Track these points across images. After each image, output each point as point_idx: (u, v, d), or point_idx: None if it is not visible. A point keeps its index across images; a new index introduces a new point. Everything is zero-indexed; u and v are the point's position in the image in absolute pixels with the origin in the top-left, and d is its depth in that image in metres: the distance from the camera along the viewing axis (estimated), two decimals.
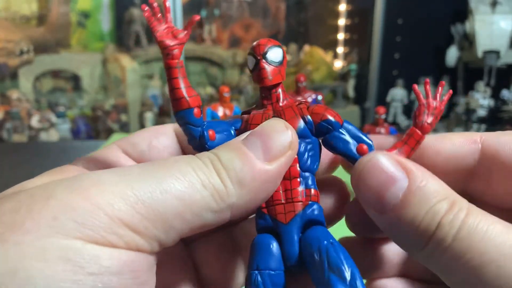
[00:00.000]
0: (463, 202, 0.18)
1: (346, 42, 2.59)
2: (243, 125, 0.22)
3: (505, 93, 2.09)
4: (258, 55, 0.22)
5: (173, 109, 0.21)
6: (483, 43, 2.04)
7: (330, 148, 0.22)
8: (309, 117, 0.22)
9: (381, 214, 0.19)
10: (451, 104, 2.31)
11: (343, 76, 2.53)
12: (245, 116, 0.23)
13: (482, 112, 2.07)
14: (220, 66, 2.52)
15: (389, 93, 2.31)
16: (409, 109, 2.36)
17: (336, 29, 2.58)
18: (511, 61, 2.08)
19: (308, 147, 0.21)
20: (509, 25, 2.02)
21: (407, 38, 2.26)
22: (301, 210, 0.20)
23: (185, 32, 0.21)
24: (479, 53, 2.05)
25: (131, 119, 2.26)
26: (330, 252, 0.18)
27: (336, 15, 2.56)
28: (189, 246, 0.25)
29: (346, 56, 2.60)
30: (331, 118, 0.22)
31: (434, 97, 0.22)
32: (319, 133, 0.22)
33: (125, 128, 2.25)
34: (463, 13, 2.14)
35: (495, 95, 2.09)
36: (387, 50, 2.26)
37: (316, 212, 0.20)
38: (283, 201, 0.20)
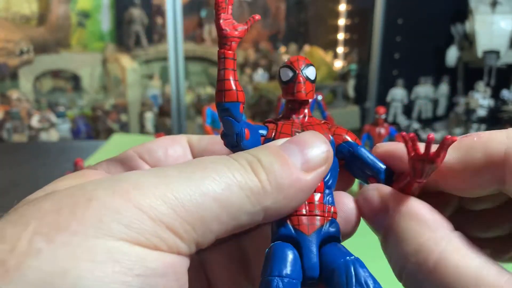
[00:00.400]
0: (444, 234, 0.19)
1: (346, 42, 2.59)
2: (270, 133, 0.22)
3: (505, 93, 2.09)
4: (297, 68, 0.22)
5: (218, 99, 0.20)
6: (483, 43, 2.04)
7: (349, 170, 0.23)
8: (331, 137, 0.22)
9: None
10: (451, 104, 2.31)
11: (343, 76, 2.53)
12: (270, 125, 0.23)
13: (482, 112, 2.07)
14: None
15: (389, 93, 2.31)
16: (409, 109, 2.36)
17: (336, 29, 2.58)
18: (511, 61, 2.08)
19: (333, 165, 0.22)
20: (509, 25, 2.02)
21: (407, 38, 2.26)
22: (323, 224, 0.21)
23: (245, 27, 0.21)
24: (479, 53, 2.05)
25: (131, 119, 2.26)
26: (357, 267, 0.19)
27: (336, 15, 2.56)
28: (200, 255, 0.25)
29: (346, 56, 2.60)
30: (351, 140, 0.23)
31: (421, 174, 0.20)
32: (338, 153, 0.23)
33: (125, 128, 2.25)
34: (463, 13, 2.15)
35: (495, 95, 2.09)
36: (387, 50, 2.26)
37: (334, 229, 0.21)
38: (305, 213, 0.21)
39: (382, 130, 0.80)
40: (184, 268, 0.17)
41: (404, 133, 0.19)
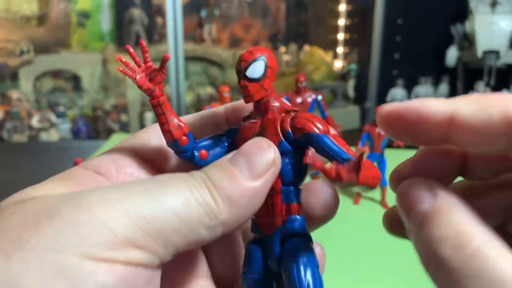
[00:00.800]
0: (483, 237, 0.18)
1: (346, 42, 2.59)
2: (237, 137, 0.24)
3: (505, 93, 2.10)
4: (237, 73, 0.23)
5: (165, 140, 0.23)
6: (483, 43, 2.04)
7: (317, 149, 0.22)
8: (290, 132, 0.22)
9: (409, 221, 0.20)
10: None
11: (343, 76, 2.53)
12: (241, 127, 0.24)
13: None
14: (220, 66, 2.52)
15: (389, 93, 2.31)
16: None
17: (336, 29, 2.59)
18: (511, 61, 2.08)
19: (290, 161, 0.22)
20: (509, 25, 2.02)
21: (407, 38, 2.26)
22: (280, 224, 0.22)
23: (161, 72, 0.23)
24: (479, 53, 2.05)
25: (131, 119, 2.26)
26: (300, 270, 0.21)
27: (336, 15, 2.56)
28: (205, 251, 0.26)
29: (346, 56, 2.60)
30: (311, 132, 0.21)
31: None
32: (300, 144, 0.22)
33: (125, 128, 2.25)
34: (463, 13, 2.15)
35: None
36: (387, 50, 2.26)
37: (296, 225, 0.22)
38: (265, 214, 0.22)
39: (382, 130, 0.80)
40: (143, 279, 0.18)
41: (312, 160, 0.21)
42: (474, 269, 0.17)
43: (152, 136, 0.25)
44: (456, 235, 0.18)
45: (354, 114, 2.43)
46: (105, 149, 1.16)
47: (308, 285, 0.20)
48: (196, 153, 0.23)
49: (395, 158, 1.07)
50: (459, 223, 0.18)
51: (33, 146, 1.64)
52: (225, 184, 0.20)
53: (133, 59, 0.23)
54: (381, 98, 2.30)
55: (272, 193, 0.22)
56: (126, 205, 0.17)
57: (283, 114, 0.23)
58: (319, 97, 0.86)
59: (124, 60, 0.23)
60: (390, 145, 0.84)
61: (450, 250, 0.18)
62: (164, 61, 0.23)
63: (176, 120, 0.23)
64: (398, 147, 0.86)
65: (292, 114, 0.23)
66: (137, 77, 0.23)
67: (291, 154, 0.22)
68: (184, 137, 0.22)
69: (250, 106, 0.24)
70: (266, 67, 0.22)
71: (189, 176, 0.20)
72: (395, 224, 0.24)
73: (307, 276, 0.20)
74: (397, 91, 2.31)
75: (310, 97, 0.85)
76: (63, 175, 0.22)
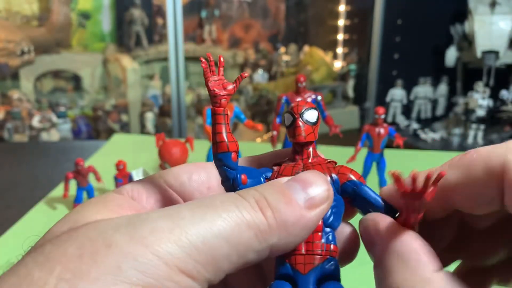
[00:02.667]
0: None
1: (345, 43, 2.59)
2: (274, 175, 0.24)
3: (504, 93, 2.10)
4: (295, 113, 0.24)
5: (213, 151, 0.23)
6: (482, 43, 2.05)
7: (359, 198, 0.23)
8: (335, 176, 0.23)
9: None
10: (450, 104, 2.32)
11: (342, 76, 2.54)
12: (275, 167, 0.24)
13: (481, 112, 2.07)
14: None
15: (389, 93, 2.32)
16: (408, 109, 2.37)
17: (335, 29, 2.59)
18: (510, 61, 2.09)
19: (333, 204, 0.22)
20: (508, 25, 2.03)
21: (407, 39, 2.27)
22: (320, 263, 0.21)
23: (234, 85, 0.23)
24: (478, 53, 2.06)
25: (131, 119, 2.27)
26: None
27: (336, 15, 2.57)
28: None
29: (345, 56, 2.60)
30: (355, 179, 0.23)
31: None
32: (343, 192, 0.23)
33: (125, 128, 2.26)
34: (462, 13, 2.15)
35: (494, 95, 2.10)
36: (387, 50, 2.27)
37: (333, 267, 0.22)
38: (303, 252, 0.22)
39: (382, 130, 0.80)
40: None
41: (391, 172, 0.20)
42: None
43: (182, 173, 0.25)
44: None
45: (353, 114, 2.43)
46: (105, 149, 1.16)
47: None
48: (239, 175, 0.23)
49: (394, 158, 1.08)
50: (399, 272, 0.19)
51: (34, 146, 1.64)
52: (281, 206, 0.20)
53: (211, 66, 0.23)
54: (381, 98, 2.31)
55: (314, 231, 0.22)
56: (178, 235, 0.18)
57: (326, 162, 0.24)
58: (319, 97, 0.86)
59: (207, 59, 0.23)
60: (389, 145, 0.85)
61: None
62: (240, 77, 0.23)
63: (232, 135, 0.23)
64: (398, 147, 0.86)
65: (333, 163, 0.24)
66: (212, 79, 0.23)
67: (335, 197, 0.23)
68: (235, 154, 0.23)
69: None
70: (318, 117, 0.24)
71: (239, 197, 0.20)
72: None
73: None
74: (397, 91, 2.31)
75: (310, 97, 0.85)
76: (101, 199, 0.23)
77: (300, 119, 0.24)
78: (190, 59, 2.39)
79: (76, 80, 2.27)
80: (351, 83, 2.49)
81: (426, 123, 2.35)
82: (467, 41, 2.15)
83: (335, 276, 0.22)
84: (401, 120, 2.35)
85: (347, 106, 2.47)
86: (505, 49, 2.05)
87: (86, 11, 2.21)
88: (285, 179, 0.22)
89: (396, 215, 0.22)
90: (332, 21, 2.60)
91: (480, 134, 2.08)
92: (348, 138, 1.08)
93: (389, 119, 2.30)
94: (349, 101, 2.51)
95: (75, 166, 0.80)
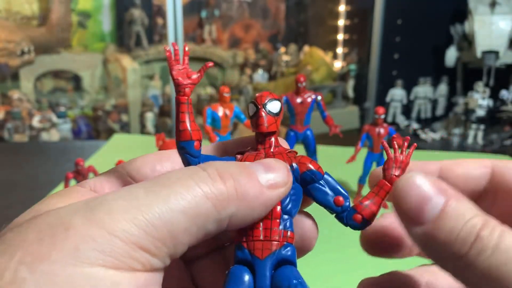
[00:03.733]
0: (495, 221, 0.19)
1: (345, 43, 2.60)
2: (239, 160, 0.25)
3: (504, 93, 2.10)
4: (259, 104, 0.24)
5: (176, 138, 0.24)
6: (482, 44, 2.05)
7: (311, 197, 0.24)
8: (295, 165, 0.24)
9: (420, 226, 0.20)
10: (450, 104, 2.32)
11: (342, 76, 2.54)
12: (239, 156, 0.25)
13: (481, 112, 2.08)
14: (220, 66, 2.53)
15: (389, 93, 2.32)
16: (408, 109, 2.37)
17: (335, 29, 2.59)
18: (510, 61, 2.09)
19: (291, 192, 0.23)
20: (508, 25, 2.03)
21: (407, 39, 2.27)
22: (277, 249, 0.22)
23: (198, 74, 0.24)
24: (478, 53, 2.06)
25: (131, 119, 2.27)
26: None
27: (336, 15, 2.57)
28: (188, 265, 0.26)
29: (345, 56, 2.60)
30: (314, 169, 0.24)
31: (400, 151, 0.25)
32: (303, 181, 0.24)
33: (125, 128, 2.26)
34: (462, 13, 2.15)
35: (494, 95, 2.10)
36: (387, 50, 2.27)
37: (289, 253, 0.22)
38: (261, 238, 0.22)
39: (382, 130, 0.80)
40: (158, 281, 0.19)
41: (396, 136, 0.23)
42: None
43: (145, 164, 0.25)
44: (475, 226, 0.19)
45: (353, 114, 2.43)
46: (105, 149, 1.17)
47: None
48: (201, 162, 0.23)
49: None
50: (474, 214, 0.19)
51: (34, 146, 1.64)
52: (242, 179, 0.20)
53: (176, 55, 0.24)
54: (381, 98, 2.31)
55: (272, 218, 0.22)
56: (134, 214, 0.18)
57: (287, 151, 0.25)
58: (319, 97, 0.86)
59: (168, 48, 0.24)
60: (389, 145, 0.85)
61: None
62: (205, 66, 0.24)
63: (195, 124, 0.24)
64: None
65: (294, 153, 0.25)
66: (176, 68, 0.24)
67: (294, 185, 0.23)
68: (198, 142, 0.23)
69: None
70: (281, 109, 0.25)
71: (199, 170, 0.20)
72: (376, 244, 0.25)
73: None
74: (397, 91, 2.32)
75: (309, 97, 0.85)
76: (64, 192, 0.23)
77: (263, 109, 0.24)
78: (190, 59, 2.39)
79: (76, 80, 2.27)
80: (351, 83, 2.49)
81: (426, 123, 2.35)
82: (467, 41, 2.16)
83: (291, 261, 0.22)
84: (401, 120, 2.35)
85: (347, 106, 2.47)
86: (505, 49, 2.05)
87: (86, 11, 2.21)
88: (246, 162, 0.22)
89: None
90: (332, 21, 2.60)
91: (480, 134, 2.09)
92: (348, 138, 1.08)
93: (389, 119, 2.31)
94: (349, 101, 2.51)
95: (75, 166, 0.80)
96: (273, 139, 0.25)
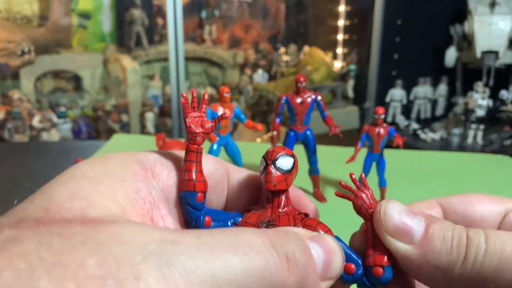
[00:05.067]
0: (473, 227, 0.20)
1: (345, 43, 2.60)
2: (241, 223, 0.23)
3: (504, 93, 2.10)
4: (268, 159, 0.23)
5: (178, 188, 0.22)
6: (481, 44, 2.05)
7: None
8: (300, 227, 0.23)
9: (411, 244, 0.20)
10: (450, 104, 2.32)
11: (342, 76, 2.54)
12: (246, 213, 0.24)
13: (480, 112, 2.08)
14: (220, 66, 2.53)
15: (388, 93, 2.32)
16: (408, 109, 2.37)
17: (335, 29, 2.59)
18: (509, 62, 2.09)
19: None
20: (508, 25, 2.03)
21: (406, 39, 2.27)
22: None
23: (212, 124, 0.23)
24: (478, 54, 2.06)
25: (132, 119, 2.27)
26: None
27: (336, 16, 2.57)
28: None
29: (345, 56, 2.61)
30: (322, 232, 0.22)
31: (358, 188, 0.24)
32: None
33: (126, 128, 2.26)
34: (462, 13, 2.15)
35: (494, 95, 2.10)
36: (386, 50, 2.27)
37: None
38: None
39: (381, 130, 0.81)
40: None
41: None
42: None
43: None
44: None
45: (353, 114, 2.44)
46: (106, 149, 1.17)
47: None
48: (202, 217, 0.22)
49: (394, 158, 1.08)
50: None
51: (34, 146, 1.65)
52: (306, 271, 0.18)
53: (193, 102, 0.23)
54: (381, 98, 2.31)
55: None
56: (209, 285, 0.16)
57: (296, 213, 0.24)
58: (319, 98, 0.86)
59: (186, 96, 0.23)
60: (389, 145, 0.85)
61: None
62: (220, 117, 0.23)
63: (202, 175, 0.22)
64: (398, 147, 0.87)
65: (303, 215, 0.24)
66: (191, 115, 0.23)
67: None
68: (202, 194, 0.22)
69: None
70: (294, 165, 0.23)
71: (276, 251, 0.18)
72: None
73: None
74: (396, 91, 2.32)
75: (309, 98, 0.86)
76: (116, 172, 0.20)
77: (272, 165, 0.23)
78: (190, 59, 2.40)
79: (76, 80, 2.27)
80: (351, 83, 2.49)
81: (425, 123, 2.35)
82: (467, 41, 2.16)
83: None
84: (401, 120, 2.35)
85: (347, 106, 2.47)
86: (504, 49, 2.05)
87: (86, 12, 2.22)
88: (311, 233, 0.21)
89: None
90: (332, 21, 2.61)
91: (479, 134, 2.09)
92: (348, 138, 1.08)
93: (389, 119, 2.31)
94: (349, 101, 2.51)
95: None
96: (283, 197, 0.23)
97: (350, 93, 2.49)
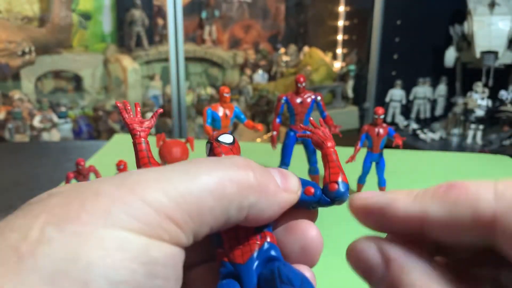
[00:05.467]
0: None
1: (345, 43, 2.60)
2: None
3: (503, 94, 2.11)
4: (211, 140, 0.25)
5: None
6: (481, 44, 2.05)
7: None
8: None
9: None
10: (450, 104, 2.32)
11: (342, 76, 2.55)
12: None
13: (480, 112, 2.08)
14: (221, 66, 2.53)
15: (388, 94, 2.32)
16: (407, 109, 2.37)
17: (335, 30, 2.60)
18: (509, 62, 2.09)
19: None
20: (507, 25, 2.03)
21: (406, 39, 2.27)
22: (257, 249, 0.21)
23: (151, 121, 0.27)
24: (477, 54, 2.06)
25: None
26: (281, 268, 0.20)
27: (336, 16, 2.57)
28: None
29: (345, 57, 2.61)
30: None
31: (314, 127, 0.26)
32: None
33: (126, 128, 2.26)
34: (461, 14, 2.16)
35: (493, 95, 2.11)
36: (386, 50, 2.27)
37: (272, 251, 0.22)
38: (240, 246, 0.22)
39: (381, 130, 0.81)
40: (181, 259, 0.18)
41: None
42: None
43: None
44: None
45: (353, 114, 2.44)
46: (106, 149, 1.17)
47: (289, 279, 0.19)
48: None
49: (393, 158, 1.08)
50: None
51: (35, 146, 1.65)
52: (262, 173, 0.21)
53: (127, 109, 0.27)
54: (380, 99, 2.31)
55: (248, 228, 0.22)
56: (165, 185, 0.18)
57: None
58: (319, 98, 0.87)
59: (120, 104, 0.27)
60: (389, 145, 0.85)
61: None
62: (155, 113, 0.27)
63: (155, 161, 0.25)
64: (397, 147, 0.87)
65: None
66: (127, 116, 0.27)
67: None
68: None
69: None
70: (234, 140, 0.26)
71: (224, 158, 0.21)
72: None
73: (294, 273, 0.20)
74: (396, 92, 2.32)
75: (309, 98, 0.86)
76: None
77: (216, 142, 0.25)
78: (191, 59, 2.40)
79: (77, 81, 2.27)
80: (350, 84, 2.50)
81: (425, 123, 2.35)
82: (466, 41, 2.16)
83: (276, 258, 0.21)
84: (400, 120, 2.35)
85: (346, 106, 2.48)
86: (504, 49, 2.05)
87: (87, 12, 2.22)
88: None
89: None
90: (332, 22, 2.61)
91: (479, 134, 2.09)
92: (347, 138, 1.09)
93: (389, 119, 2.31)
94: (349, 101, 2.52)
95: (76, 166, 0.81)
96: None
97: (350, 93, 2.50)
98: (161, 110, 0.27)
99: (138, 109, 0.27)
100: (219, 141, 0.25)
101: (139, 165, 0.25)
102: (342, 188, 0.23)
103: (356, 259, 0.20)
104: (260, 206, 0.20)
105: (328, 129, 0.26)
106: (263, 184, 0.20)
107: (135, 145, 0.25)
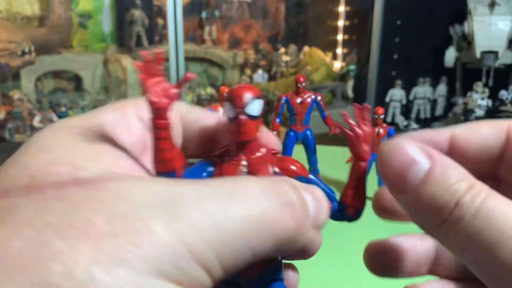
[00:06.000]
0: (482, 185, 0.18)
1: (345, 43, 2.60)
2: (217, 172, 0.22)
3: (503, 94, 2.11)
4: (238, 107, 0.20)
5: (155, 168, 0.20)
6: (481, 44, 2.05)
7: None
8: (281, 174, 0.22)
9: (403, 194, 0.19)
10: (450, 104, 2.32)
11: (342, 76, 2.55)
12: (218, 160, 0.22)
13: (480, 112, 2.08)
14: (221, 66, 2.53)
15: (388, 94, 2.32)
16: (407, 109, 2.37)
17: (335, 30, 2.60)
18: (509, 62, 2.09)
19: None
20: (507, 26, 2.03)
21: (406, 39, 2.27)
22: (264, 269, 0.21)
23: (177, 89, 0.19)
24: (477, 54, 2.06)
25: None
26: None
27: (336, 16, 2.57)
28: None
29: (345, 56, 2.61)
30: (298, 172, 0.22)
31: (359, 126, 0.23)
32: None
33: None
34: (461, 14, 2.16)
35: (493, 95, 2.11)
36: (386, 50, 2.28)
37: (278, 270, 0.21)
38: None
39: (381, 130, 0.81)
40: None
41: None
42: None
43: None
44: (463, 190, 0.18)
45: (353, 114, 2.44)
46: None
47: None
48: None
49: None
50: (459, 180, 0.18)
51: None
52: (304, 215, 0.19)
53: (148, 68, 0.19)
54: (380, 99, 2.31)
55: None
56: (216, 235, 0.16)
57: (269, 155, 0.22)
58: (319, 98, 0.87)
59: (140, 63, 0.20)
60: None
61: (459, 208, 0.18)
62: (185, 79, 0.19)
63: (175, 149, 0.20)
64: None
65: (277, 156, 0.22)
66: (153, 89, 0.19)
67: None
68: (181, 169, 0.20)
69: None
70: (262, 107, 0.21)
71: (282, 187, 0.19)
72: (385, 207, 0.24)
73: None
74: (396, 92, 2.32)
75: (309, 98, 0.86)
76: (115, 108, 0.21)
77: (244, 114, 0.20)
78: (191, 59, 2.40)
79: (77, 81, 2.27)
80: (350, 84, 2.50)
81: (425, 123, 2.35)
82: (466, 41, 2.16)
83: (280, 279, 0.21)
84: (401, 120, 2.36)
85: (346, 106, 2.48)
86: (504, 49, 2.05)
87: (87, 12, 2.22)
88: (304, 187, 0.20)
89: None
90: (332, 22, 2.61)
91: None
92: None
93: (389, 119, 2.31)
94: (349, 101, 2.52)
95: None
96: (255, 142, 0.22)
97: (350, 93, 2.50)
98: (192, 76, 0.19)
99: (160, 66, 0.19)
100: (247, 113, 0.20)
101: (159, 158, 0.20)
102: (360, 214, 0.22)
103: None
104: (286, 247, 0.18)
105: (367, 127, 0.23)
106: (299, 231, 0.18)
107: (156, 128, 0.19)
